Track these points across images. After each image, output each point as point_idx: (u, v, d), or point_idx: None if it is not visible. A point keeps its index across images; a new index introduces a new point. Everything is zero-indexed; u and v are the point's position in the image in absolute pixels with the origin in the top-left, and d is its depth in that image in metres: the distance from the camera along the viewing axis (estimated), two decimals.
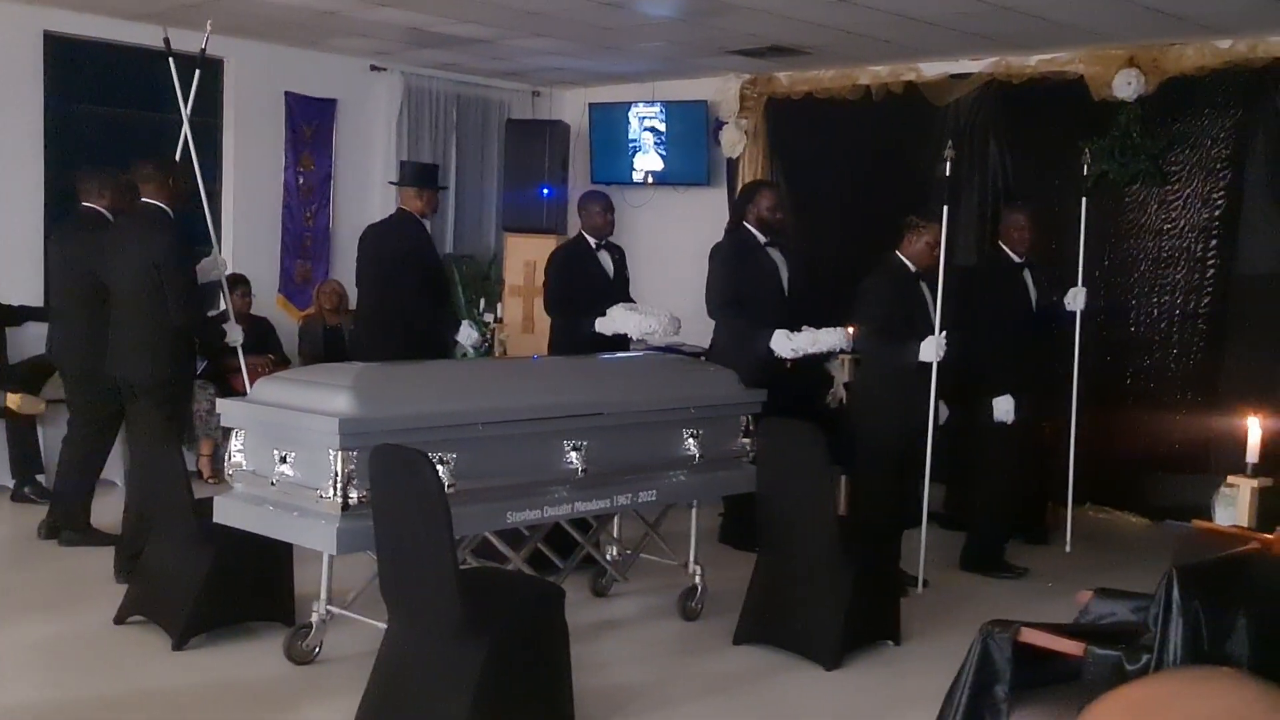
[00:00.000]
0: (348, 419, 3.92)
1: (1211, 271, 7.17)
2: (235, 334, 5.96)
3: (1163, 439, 7.10)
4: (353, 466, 3.91)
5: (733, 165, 9.05)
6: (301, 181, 8.77)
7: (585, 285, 6.40)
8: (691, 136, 9.18)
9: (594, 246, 6.52)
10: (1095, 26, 6.76)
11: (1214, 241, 7.15)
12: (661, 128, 9.32)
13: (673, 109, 9.26)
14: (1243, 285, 7.09)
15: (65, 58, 7.77)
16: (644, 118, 9.40)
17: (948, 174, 5.76)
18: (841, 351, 6.26)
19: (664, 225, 9.19)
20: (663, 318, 6.20)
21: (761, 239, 6.28)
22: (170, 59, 5.94)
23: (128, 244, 5.41)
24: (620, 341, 6.29)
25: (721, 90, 8.91)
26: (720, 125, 8.98)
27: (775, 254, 6.29)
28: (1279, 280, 6.94)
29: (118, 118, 8.08)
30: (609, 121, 9.54)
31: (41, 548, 5.95)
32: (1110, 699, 1.33)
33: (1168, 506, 6.95)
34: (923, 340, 5.57)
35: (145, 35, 7.83)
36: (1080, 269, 6.44)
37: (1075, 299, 6.37)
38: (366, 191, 9.12)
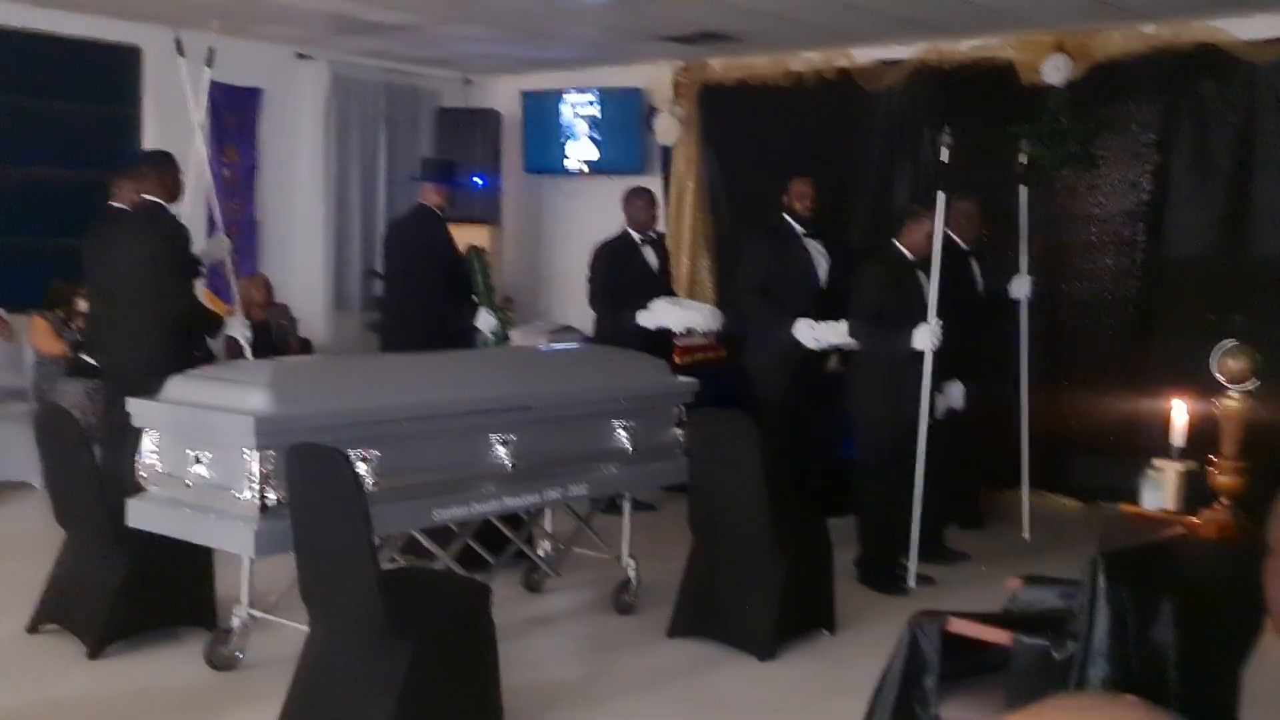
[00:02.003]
0: (264, 417, 3.81)
1: (1139, 256, 7.24)
2: (234, 325, 6.03)
3: (1093, 422, 7.16)
4: (270, 466, 3.80)
5: (668, 153, 8.99)
6: (226, 173, 8.56)
7: (629, 279, 6.58)
8: (626, 124, 9.10)
9: (638, 241, 6.68)
10: (1023, 12, 6.79)
11: (1141, 226, 7.23)
12: (596, 114, 9.23)
13: (606, 96, 9.17)
14: (1169, 269, 7.18)
15: None
16: (577, 105, 9.30)
17: (944, 159, 5.58)
18: None
19: (599, 214, 9.06)
20: (704, 311, 6.37)
21: (799, 230, 6.26)
22: (181, 59, 6.24)
23: (124, 239, 5.49)
24: (664, 335, 6.38)
25: (655, 78, 8.84)
26: (654, 113, 8.91)
27: (815, 245, 6.29)
28: (1204, 263, 7.03)
29: (36, 108, 7.85)
30: (542, 109, 9.43)
31: None
32: None
33: (1099, 489, 7.01)
34: (915, 328, 5.44)
35: (66, 24, 7.63)
36: (1023, 257, 6.44)
37: (1020, 287, 6.37)
38: (293, 183, 8.93)
